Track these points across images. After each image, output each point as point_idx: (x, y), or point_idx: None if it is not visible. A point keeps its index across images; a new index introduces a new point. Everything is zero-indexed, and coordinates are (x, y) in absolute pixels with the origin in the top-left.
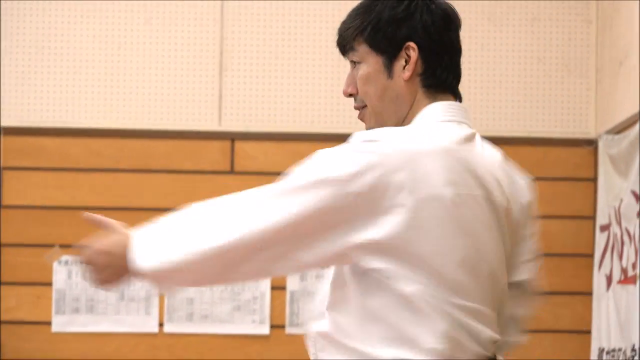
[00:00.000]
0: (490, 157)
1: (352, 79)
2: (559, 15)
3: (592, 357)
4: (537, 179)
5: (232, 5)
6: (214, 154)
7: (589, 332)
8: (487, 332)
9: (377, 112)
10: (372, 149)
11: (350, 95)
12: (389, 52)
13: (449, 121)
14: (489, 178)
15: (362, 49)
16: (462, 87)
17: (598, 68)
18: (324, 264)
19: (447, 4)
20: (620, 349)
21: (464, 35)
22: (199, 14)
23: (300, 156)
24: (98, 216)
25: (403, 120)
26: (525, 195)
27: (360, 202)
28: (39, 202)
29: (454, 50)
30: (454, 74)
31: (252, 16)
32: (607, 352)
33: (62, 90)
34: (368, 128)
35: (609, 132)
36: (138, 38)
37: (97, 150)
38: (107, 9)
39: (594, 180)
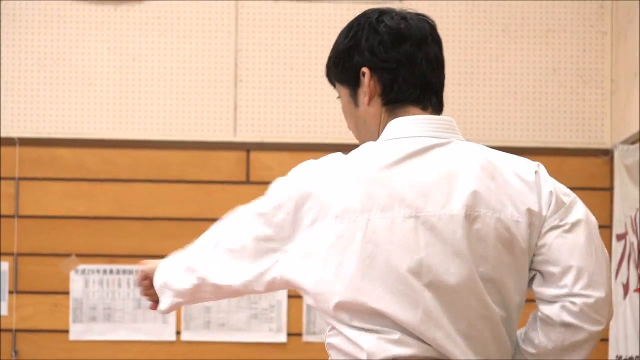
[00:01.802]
0: (456, 166)
1: None
2: (573, 27)
3: None
4: None
5: (246, 17)
6: (229, 165)
7: (606, 340)
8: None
9: (360, 141)
10: (287, 183)
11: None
12: (350, 82)
13: (395, 138)
14: (423, 194)
15: (336, 84)
16: (478, 98)
17: (613, 79)
18: None
19: (404, 20)
20: (637, 357)
21: (479, 46)
22: (213, 26)
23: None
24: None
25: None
26: (522, 194)
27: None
28: (54, 212)
29: (413, 63)
30: (421, 86)
31: (267, 27)
32: None
33: (77, 101)
34: None
35: (624, 142)
36: (153, 49)
37: (112, 161)
38: (122, 21)
39: (609, 189)
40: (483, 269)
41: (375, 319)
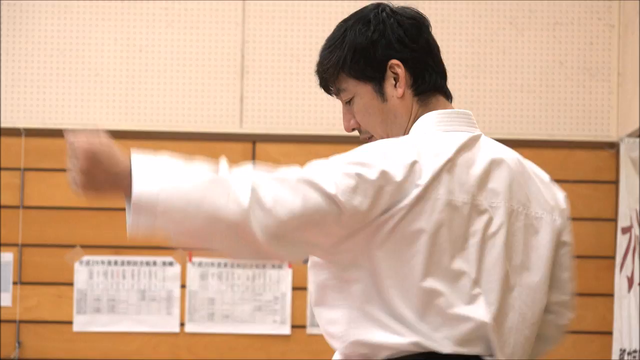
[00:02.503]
0: (498, 158)
1: (350, 114)
2: (580, 20)
3: (613, 358)
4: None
5: (253, 8)
6: (235, 156)
7: (610, 333)
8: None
9: (386, 137)
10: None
11: (354, 129)
12: (376, 77)
13: (445, 131)
14: (484, 183)
15: (350, 83)
16: (485, 91)
17: (620, 72)
18: None
19: (409, 8)
20: None
21: (486, 39)
22: (220, 17)
23: (321, 158)
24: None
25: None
26: (545, 193)
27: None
28: (59, 202)
29: (433, 50)
30: (440, 73)
31: (274, 19)
32: (629, 353)
33: (83, 92)
34: None
35: (630, 135)
36: (159, 40)
37: None
38: (129, 12)
39: (615, 182)
40: (514, 262)
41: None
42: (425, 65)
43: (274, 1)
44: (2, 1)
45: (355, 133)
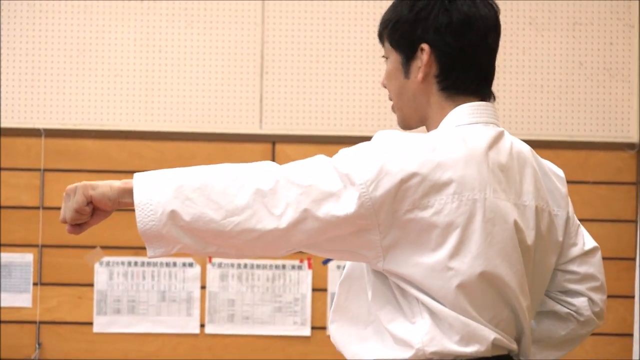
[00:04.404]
0: (520, 152)
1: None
2: (600, 20)
3: None
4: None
5: (273, 8)
6: (254, 157)
7: (630, 335)
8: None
9: (399, 108)
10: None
11: (384, 86)
12: (406, 51)
13: (475, 123)
14: (517, 177)
15: (387, 45)
16: (505, 91)
17: None
18: None
19: (474, 5)
20: None
21: (505, 39)
22: (239, 17)
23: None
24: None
25: (426, 120)
26: (561, 188)
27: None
28: None
29: (477, 53)
30: (479, 77)
31: (293, 19)
32: None
33: (103, 92)
34: (397, 121)
35: None
36: (179, 41)
37: (137, 153)
38: (149, 12)
39: (635, 184)
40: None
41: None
42: (454, 63)
43: (293, 1)
44: (23, 1)
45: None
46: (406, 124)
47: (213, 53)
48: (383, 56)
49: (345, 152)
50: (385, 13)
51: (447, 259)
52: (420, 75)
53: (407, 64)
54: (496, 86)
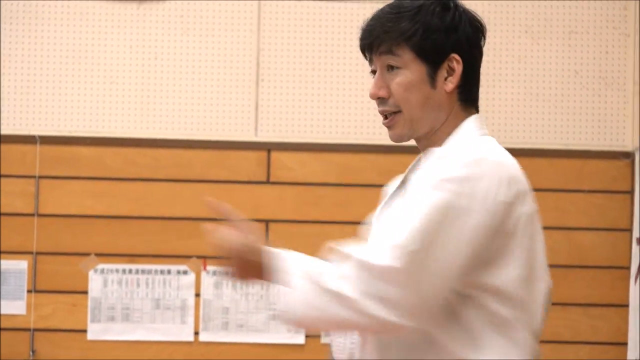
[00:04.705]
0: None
1: (382, 82)
2: (596, 29)
3: None
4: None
5: (269, 16)
6: (250, 164)
7: (625, 344)
8: None
9: (415, 120)
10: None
11: (379, 98)
12: (435, 61)
13: (485, 134)
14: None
15: (407, 55)
16: (500, 100)
17: (635, 81)
18: None
19: (475, 13)
20: None
21: (501, 48)
22: (235, 25)
23: (336, 167)
24: (223, 205)
25: (437, 129)
26: None
27: None
28: (74, 210)
29: (480, 61)
30: (478, 86)
31: (289, 27)
32: None
33: (98, 99)
34: (399, 134)
35: None
36: (175, 48)
37: (133, 160)
38: (144, 19)
39: (630, 192)
40: None
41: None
42: (475, 73)
43: (289, 9)
44: (17, 8)
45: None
46: (413, 135)
47: (209, 60)
48: (389, 66)
49: None
50: (393, 22)
51: None
52: (450, 86)
53: (434, 73)
54: (492, 94)
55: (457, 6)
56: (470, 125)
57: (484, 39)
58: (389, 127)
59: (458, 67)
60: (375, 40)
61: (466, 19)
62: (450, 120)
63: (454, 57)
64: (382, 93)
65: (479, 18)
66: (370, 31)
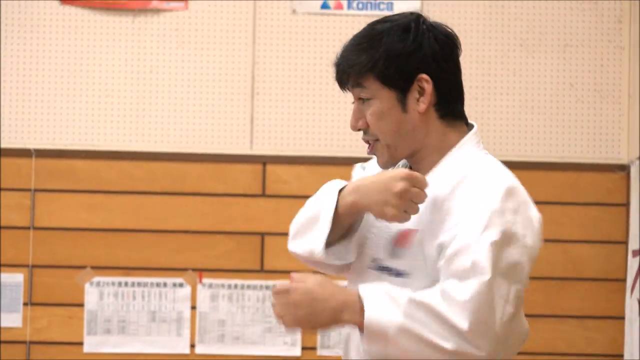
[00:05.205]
0: None
1: (359, 114)
2: (591, 42)
3: None
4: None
5: (264, 30)
6: (245, 178)
7: (621, 356)
8: None
9: (391, 147)
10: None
11: (359, 129)
12: (402, 86)
13: (483, 149)
14: None
15: (373, 86)
16: (495, 112)
17: (630, 94)
18: None
19: (444, 25)
20: None
21: (496, 61)
22: (231, 38)
23: (331, 180)
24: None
25: (418, 150)
26: None
27: None
28: (70, 223)
29: (459, 73)
30: (462, 98)
31: (284, 40)
32: None
33: (93, 112)
34: (382, 162)
35: None
36: (170, 61)
37: (128, 173)
38: (139, 32)
39: (626, 205)
40: None
41: None
42: (451, 88)
43: (284, 22)
44: (13, 22)
45: (367, 149)
46: (395, 161)
47: (204, 73)
48: (360, 98)
49: None
50: (356, 54)
51: None
52: (422, 107)
53: (404, 98)
54: (486, 107)
55: (419, 25)
56: (470, 142)
57: (459, 49)
58: (371, 154)
59: (428, 86)
60: (343, 75)
61: (431, 35)
62: (432, 138)
63: (422, 77)
64: (361, 124)
65: (448, 31)
66: (338, 66)
